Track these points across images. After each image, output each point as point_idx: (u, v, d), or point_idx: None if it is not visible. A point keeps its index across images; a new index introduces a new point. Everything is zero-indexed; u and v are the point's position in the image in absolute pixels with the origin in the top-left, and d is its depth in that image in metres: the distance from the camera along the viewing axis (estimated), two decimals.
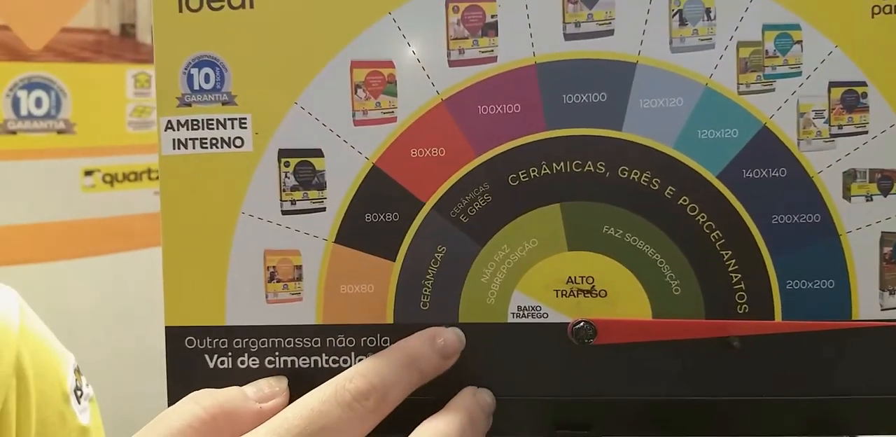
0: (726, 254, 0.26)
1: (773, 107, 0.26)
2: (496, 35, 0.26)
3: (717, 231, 0.26)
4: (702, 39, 0.26)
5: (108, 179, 0.85)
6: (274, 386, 0.26)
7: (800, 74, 0.26)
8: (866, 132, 0.26)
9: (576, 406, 0.27)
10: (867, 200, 0.26)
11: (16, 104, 0.79)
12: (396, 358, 0.26)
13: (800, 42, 0.25)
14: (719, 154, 0.26)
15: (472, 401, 0.26)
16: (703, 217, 0.26)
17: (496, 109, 0.26)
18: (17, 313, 0.43)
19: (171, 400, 0.28)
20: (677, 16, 0.26)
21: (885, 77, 0.25)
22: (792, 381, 0.26)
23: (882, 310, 0.26)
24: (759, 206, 0.26)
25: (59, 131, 0.82)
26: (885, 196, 0.26)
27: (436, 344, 0.26)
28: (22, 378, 0.42)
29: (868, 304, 0.26)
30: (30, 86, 0.80)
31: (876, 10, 0.25)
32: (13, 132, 0.78)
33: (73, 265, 0.81)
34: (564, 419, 0.27)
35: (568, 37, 0.26)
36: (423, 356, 0.26)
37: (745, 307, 0.26)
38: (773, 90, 0.26)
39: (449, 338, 0.26)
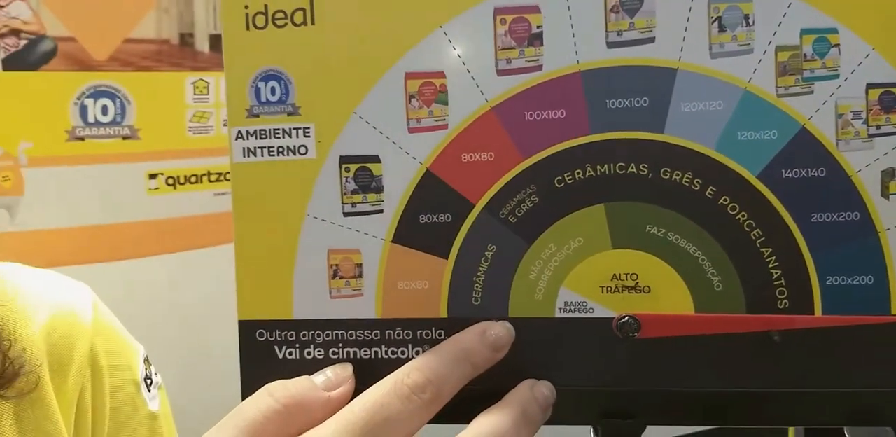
0: (766, 251, 0.27)
1: (812, 109, 0.27)
2: (542, 45, 0.28)
3: (758, 229, 0.27)
4: (741, 45, 0.27)
5: (170, 181, 0.89)
6: (340, 374, 0.28)
7: (837, 76, 0.26)
8: None
9: (621, 396, 0.28)
10: None
11: (83, 112, 0.84)
12: (450, 352, 0.27)
13: (837, 45, 0.26)
14: (759, 155, 0.27)
15: (529, 395, 0.27)
16: (743, 216, 0.27)
17: (542, 114, 0.28)
18: (90, 308, 0.46)
19: (245, 388, 0.30)
20: (716, 22, 0.27)
21: None
22: (832, 373, 0.27)
23: None
24: (799, 204, 0.27)
25: (125, 137, 0.87)
26: None
27: (486, 338, 0.28)
28: (96, 369, 0.45)
29: None
30: (96, 94, 0.84)
31: None
32: (81, 138, 0.83)
33: (139, 263, 0.86)
34: (611, 408, 0.28)
35: (611, 45, 0.27)
36: (475, 350, 0.27)
37: (786, 303, 0.27)
38: (812, 92, 0.27)
39: (499, 332, 0.28)
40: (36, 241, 0.80)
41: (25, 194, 0.80)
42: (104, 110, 0.85)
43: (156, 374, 0.49)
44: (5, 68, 0.78)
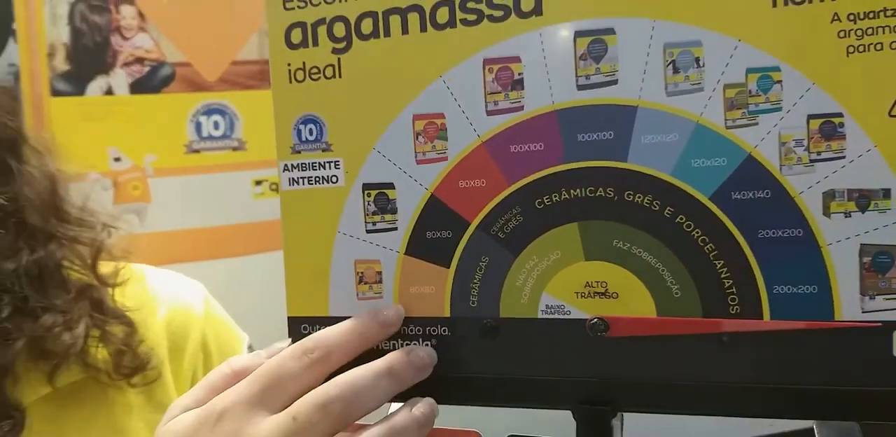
0: (719, 263, 0.31)
1: (758, 138, 0.30)
2: (522, 88, 0.33)
3: (711, 244, 0.31)
4: (692, 84, 0.31)
5: (273, 187, 0.99)
6: (278, 347, 0.34)
7: (780, 109, 0.30)
8: (844, 157, 0.29)
9: (595, 386, 0.33)
10: (846, 217, 0.29)
11: (198, 128, 0.96)
12: (342, 327, 0.34)
13: (780, 82, 0.30)
14: (710, 179, 0.31)
15: (402, 356, 0.33)
16: (697, 232, 0.31)
17: (524, 147, 0.33)
18: (202, 302, 0.55)
19: None
20: (671, 65, 0.31)
21: (860, 108, 0.29)
22: (779, 371, 0.30)
23: (863, 312, 0.29)
24: (747, 222, 0.31)
25: (234, 148, 0.98)
26: (864, 212, 0.29)
27: (377, 316, 0.34)
28: (207, 353, 0.54)
29: (850, 307, 0.30)
30: (209, 112, 0.96)
31: (850, 49, 0.29)
32: (197, 151, 0.95)
33: (246, 261, 0.97)
34: (586, 396, 0.33)
35: (580, 87, 0.32)
36: (364, 325, 0.33)
37: (737, 308, 0.31)
38: (757, 124, 0.30)
39: (388, 312, 0.34)
40: (161, 241, 0.93)
41: (152, 201, 0.93)
42: (216, 126, 0.96)
43: None
44: (132, 92, 0.91)
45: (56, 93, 0.86)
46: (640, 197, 0.32)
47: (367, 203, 0.35)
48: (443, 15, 0.33)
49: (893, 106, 0.28)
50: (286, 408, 0.32)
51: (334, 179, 0.36)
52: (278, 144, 0.37)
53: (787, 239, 0.30)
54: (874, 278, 0.29)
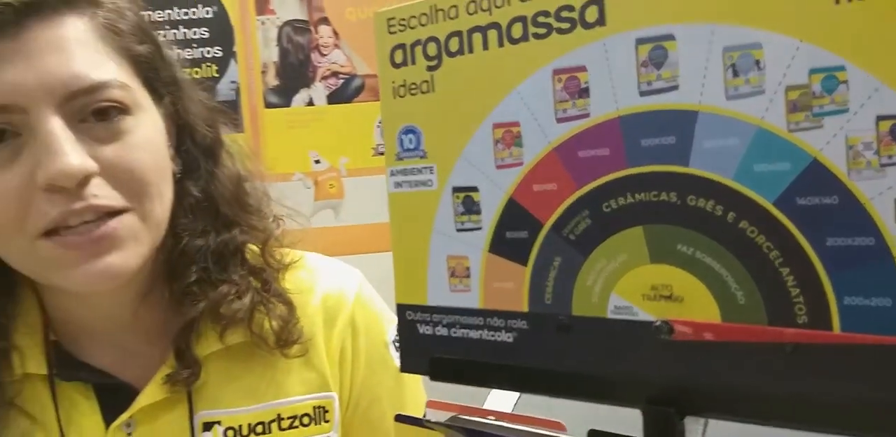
0: (784, 271, 0.30)
1: (823, 141, 0.29)
2: (588, 97, 0.34)
3: (776, 251, 0.30)
4: (753, 87, 0.30)
5: None
6: None
7: (847, 110, 0.28)
8: None
9: (660, 387, 0.33)
10: None
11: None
12: None
13: (845, 82, 0.28)
14: (774, 184, 0.30)
15: None
16: (761, 239, 0.30)
17: (591, 152, 0.34)
18: (355, 285, 0.63)
19: (402, 353, 0.42)
20: (731, 69, 0.30)
21: None
22: (843, 385, 0.29)
23: None
24: (814, 229, 0.29)
25: None
26: None
27: None
28: (355, 331, 0.61)
29: None
30: None
31: None
32: (383, 153, 1.04)
33: None
34: (653, 396, 0.33)
35: (643, 93, 0.33)
36: None
37: (805, 318, 0.30)
38: (822, 127, 0.29)
39: None
40: (353, 233, 1.03)
41: (345, 198, 1.04)
42: None
43: None
44: (329, 102, 1.02)
45: (268, 105, 0.99)
46: (702, 202, 0.32)
47: (456, 205, 0.39)
48: (517, 30, 0.36)
49: None
50: None
51: (430, 183, 0.40)
52: (387, 152, 0.41)
53: (857, 248, 0.28)
54: None
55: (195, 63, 0.99)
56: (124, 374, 0.55)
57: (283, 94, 1.01)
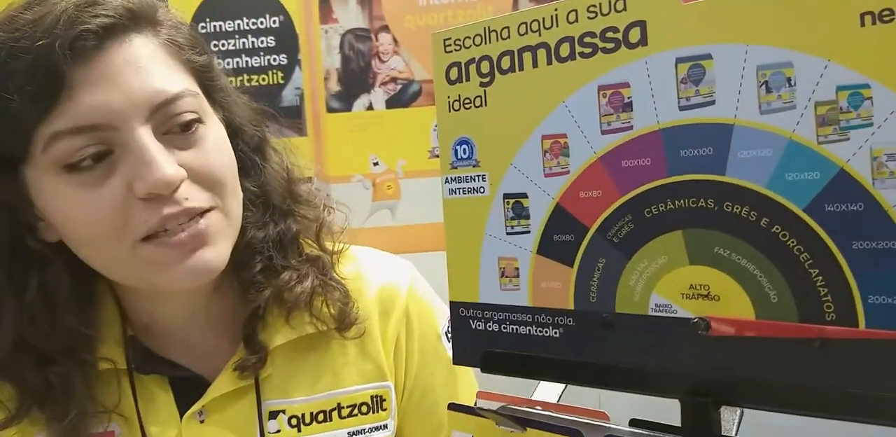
0: (814, 272, 0.32)
1: (849, 153, 0.31)
2: (632, 110, 0.37)
3: (806, 253, 0.33)
4: (785, 103, 0.32)
5: None
6: None
7: (871, 124, 0.30)
8: None
9: (697, 379, 0.36)
10: None
11: None
12: None
13: (870, 98, 0.30)
14: (804, 192, 0.32)
15: None
16: (792, 242, 0.33)
17: (634, 162, 0.37)
18: (408, 278, 0.67)
19: (454, 348, 0.45)
20: (764, 85, 0.33)
21: None
22: (869, 378, 0.31)
23: None
24: (841, 233, 0.32)
25: None
26: None
27: None
28: (409, 322, 0.65)
29: None
30: None
31: None
32: (439, 156, 1.08)
33: None
34: (691, 387, 0.36)
35: (682, 108, 0.35)
36: None
37: (833, 315, 0.32)
38: (848, 139, 0.31)
39: None
40: (409, 233, 1.07)
41: (402, 198, 1.08)
42: None
43: None
44: (387, 107, 1.06)
45: (330, 109, 1.04)
46: (738, 208, 0.34)
47: (506, 210, 0.42)
48: (565, 49, 0.39)
49: None
50: None
51: (482, 190, 0.43)
52: (442, 161, 0.45)
53: (881, 251, 0.31)
54: None
55: (262, 70, 1.04)
56: (195, 366, 0.59)
57: (345, 99, 1.06)
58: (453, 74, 0.44)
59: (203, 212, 0.52)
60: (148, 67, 0.51)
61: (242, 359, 0.58)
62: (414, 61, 1.04)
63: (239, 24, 1.03)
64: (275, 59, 1.04)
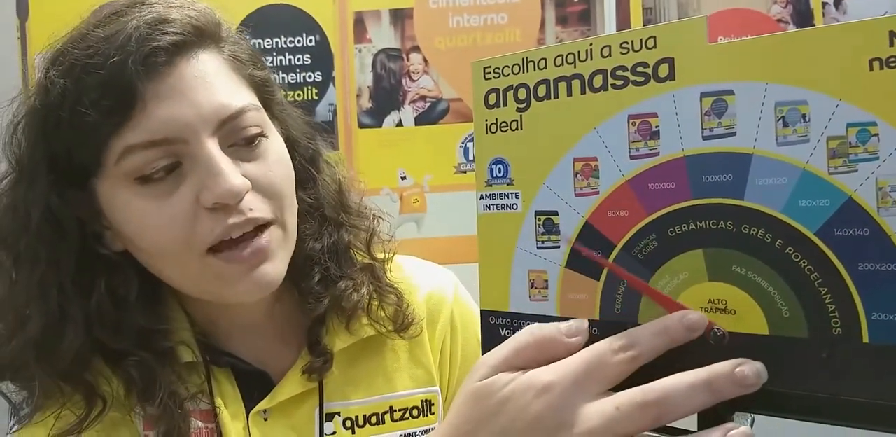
0: (823, 290, 0.36)
1: (857, 183, 0.34)
2: (659, 138, 0.40)
3: (816, 273, 0.36)
4: (800, 136, 0.36)
5: None
6: (579, 327, 0.40)
7: (877, 158, 0.34)
8: None
9: None
10: None
11: (466, 152, 1.12)
12: (653, 328, 0.37)
13: (876, 135, 0.34)
14: (816, 217, 0.36)
15: (726, 369, 0.35)
16: (804, 262, 0.36)
17: (660, 185, 0.40)
18: (453, 288, 0.70)
19: (484, 351, 0.49)
20: (781, 120, 0.36)
21: None
22: (873, 387, 0.34)
23: None
24: (848, 256, 0.35)
25: None
26: None
27: (684, 320, 0.37)
28: (454, 328, 0.68)
29: None
30: (474, 139, 1.13)
31: None
32: (464, 172, 1.11)
33: None
34: None
35: (705, 138, 0.39)
36: (674, 327, 0.37)
37: (839, 330, 0.35)
38: (857, 171, 0.34)
39: (693, 316, 0.36)
40: (434, 246, 1.11)
41: (427, 212, 1.12)
42: None
43: None
44: (416, 124, 1.10)
45: (361, 125, 1.08)
46: (755, 230, 0.37)
47: (538, 226, 0.45)
48: (598, 81, 0.42)
49: None
50: (599, 396, 0.36)
51: (515, 207, 0.47)
52: (477, 179, 0.48)
53: (884, 272, 0.34)
54: None
55: (297, 87, 1.09)
56: (259, 366, 0.62)
57: (376, 115, 1.10)
58: (491, 99, 0.47)
59: (263, 226, 0.55)
60: (215, 82, 0.54)
61: (310, 362, 0.61)
62: (442, 80, 1.08)
63: (277, 42, 1.08)
64: (310, 76, 1.08)
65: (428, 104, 1.10)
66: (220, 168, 0.52)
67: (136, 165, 0.52)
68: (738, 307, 0.38)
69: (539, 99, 0.45)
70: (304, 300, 0.62)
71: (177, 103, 0.52)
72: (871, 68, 0.34)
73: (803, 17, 1.23)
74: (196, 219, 0.53)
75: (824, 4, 1.26)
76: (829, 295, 0.35)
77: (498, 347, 0.42)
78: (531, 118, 0.45)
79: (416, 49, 1.09)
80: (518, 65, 0.46)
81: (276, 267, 0.56)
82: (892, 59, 0.33)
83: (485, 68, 0.47)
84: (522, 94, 0.46)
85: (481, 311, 0.48)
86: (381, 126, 1.11)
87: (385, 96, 1.10)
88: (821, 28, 0.35)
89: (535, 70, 0.45)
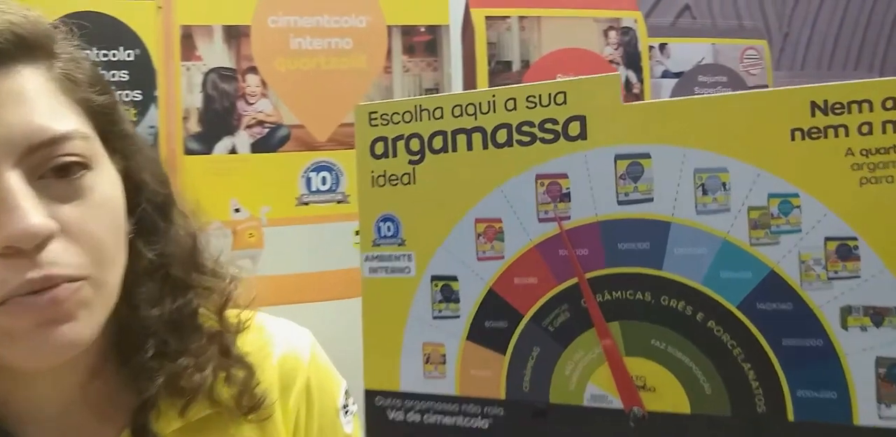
0: (746, 366, 0.34)
1: (780, 256, 0.33)
2: (569, 201, 0.37)
3: (739, 348, 0.34)
4: (720, 205, 0.34)
5: None
6: None
7: (800, 230, 0.33)
8: (859, 276, 0.32)
9: None
10: (862, 331, 0.32)
11: (308, 182, 1.05)
12: None
13: (798, 207, 0.33)
14: (737, 290, 0.34)
15: None
16: (726, 337, 0.34)
17: (571, 252, 0.37)
18: (309, 349, 0.62)
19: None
20: (700, 188, 0.35)
21: (872, 234, 0.32)
22: None
23: (880, 419, 0.32)
24: (771, 330, 0.34)
25: (338, 201, 1.07)
26: (878, 327, 0.32)
27: None
28: (310, 396, 0.61)
29: (867, 413, 0.32)
30: (318, 168, 1.06)
31: (864, 180, 0.32)
32: (306, 203, 1.04)
33: (349, 303, 1.06)
34: None
35: (620, 202, 0.36)
36: None
37: (763, 408, 0.34)
38: (779, 243, 0.33)
39: None
40: (272, 285, 1.02)
41: (265, 247, 1.03)
42: (323, 181, 1.06)
43: (353, 404, 0.64)
44: (253, 151, 1.01)
45: (188, 151, 0.98)
46: (674, 302, 0.35)
47: (434, 293, 0.41)
48: (502, 136, 0.39)
49: None
50: None
51: (407, 270, 0.41)
52: (362, 238, 0.43)
53: (808, 348, 0.33)
54: (890, 388, 0.32)
55: None
56: None
57: (205, 141, 1.00)
58: (378, 148, 0.42)
59: (71, 281, 0.45)
60: (32, 102, 0.44)
61: None
62: (283, 105, 1.00)
63: (87, 56, 0.94)
64: (127, 95, 0.96)
65: (266, 130, 1.02)
66: (18, 203, 0.41)
67: None
68: (658, 384, 0.36)
69: (435, 151, 0.40)
70: (133, 377, 0.52)
71: None
72: (793, 138, 0.33)
73: (632, 59, 1.31)
74: None
75: (651, 48, 1.34)
76: (752, 372, 0.34)
77: None
78: (425, 172, 0.41)
79: (254, 70, 1.00)
80: (410, 112, 0.41)
81: (78, 330, 0.45)
82: (813, 130, 0.32)
83: (370, 113, 0.42)
84: (415, 145, 0.41)
85: (366, 391, 0.43)
86: (210, 152, 1.01)
87: (217, 120, 1.00)
88: (741, 94, 0.34)
89: (429, 119, 0.40)
